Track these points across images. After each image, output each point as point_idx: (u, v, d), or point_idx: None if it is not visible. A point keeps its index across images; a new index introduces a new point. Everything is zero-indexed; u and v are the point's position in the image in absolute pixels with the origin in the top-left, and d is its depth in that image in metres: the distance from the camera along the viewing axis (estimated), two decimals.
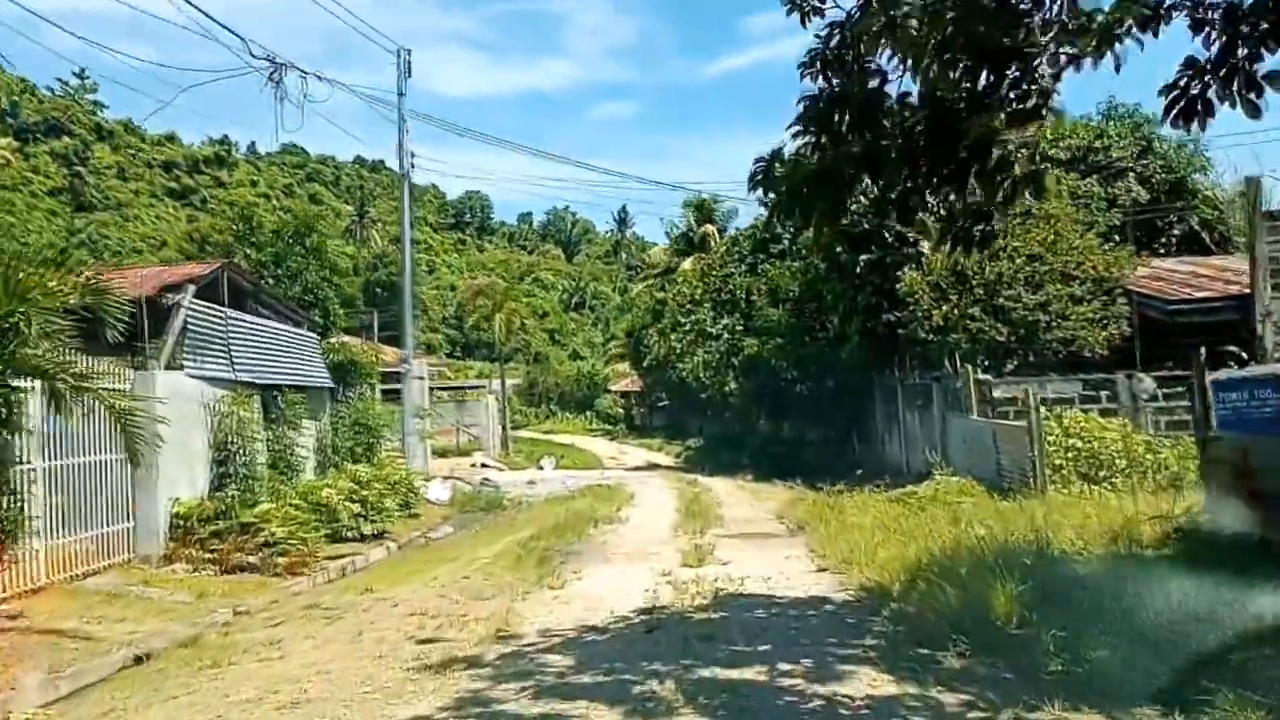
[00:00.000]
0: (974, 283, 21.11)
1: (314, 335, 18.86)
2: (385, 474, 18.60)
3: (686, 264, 43.24)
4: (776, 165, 6.20)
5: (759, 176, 6.28)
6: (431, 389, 46.98)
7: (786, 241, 31.15)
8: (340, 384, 20.16)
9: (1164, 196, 30.36)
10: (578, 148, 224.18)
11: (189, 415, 13.49)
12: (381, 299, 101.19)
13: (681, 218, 50.40)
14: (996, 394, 19.59)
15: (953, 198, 6.13)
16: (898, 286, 22.95)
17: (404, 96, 22.89)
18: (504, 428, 39.86)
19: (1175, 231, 29.49)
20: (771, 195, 6.38)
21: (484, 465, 31.40)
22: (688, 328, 32.31)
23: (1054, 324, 20.54)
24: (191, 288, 15.08)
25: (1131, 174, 30.77)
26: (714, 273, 33.37)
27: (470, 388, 46.32)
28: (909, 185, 6.16)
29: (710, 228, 47.03)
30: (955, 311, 21.09)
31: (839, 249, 26.49)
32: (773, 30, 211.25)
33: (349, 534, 15.83)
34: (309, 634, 9.30)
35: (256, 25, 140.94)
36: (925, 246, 24.17)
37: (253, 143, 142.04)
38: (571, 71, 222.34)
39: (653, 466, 34.50)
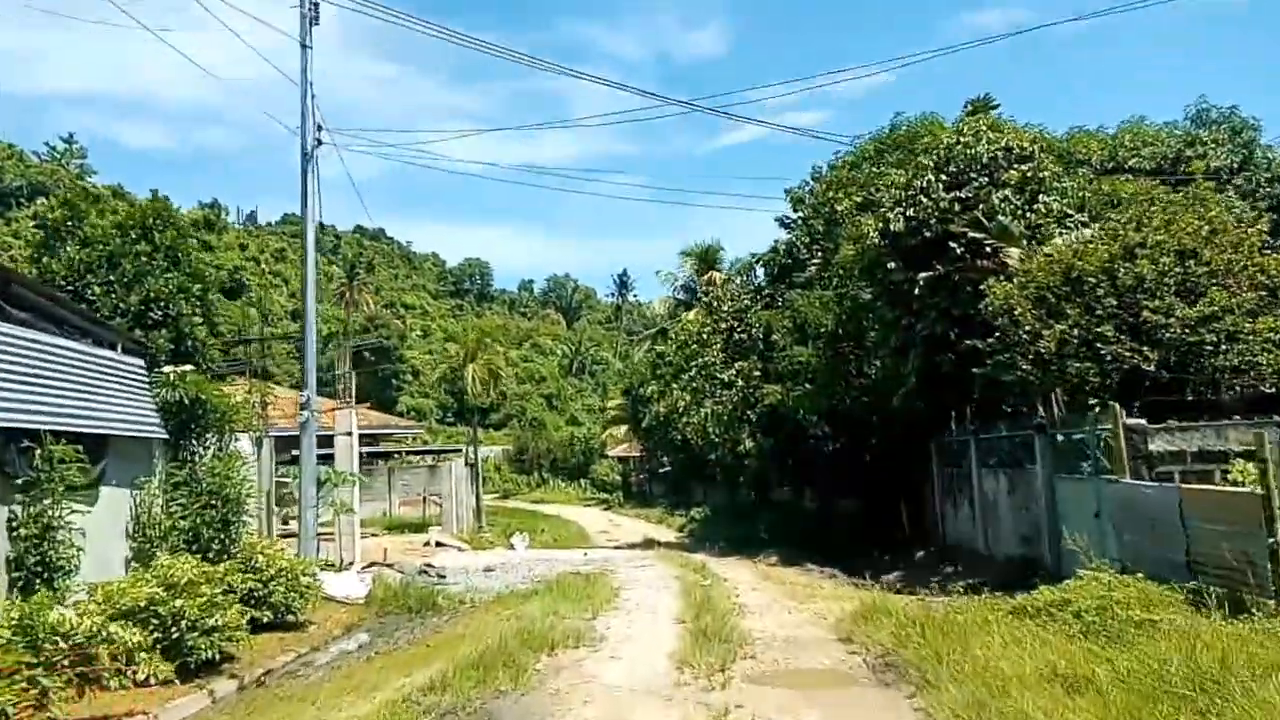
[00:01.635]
0: (1100, 291, 14.67)
1: (134, 361, 12.31)
2: (234, 568, 11.94)
3: (690, 315, 36.82)
4: None
5: None
6: (391, 454, 40.34)
7: (814, 268, 24.87)
8: (191, 435, 13.59)
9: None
10: (580, 221, 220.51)
11: None
12: (368, 363, 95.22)
13: (680, 268, 44.22)
14: (1155, 446, 12.99)
15: None
16: (982, 305, 16.53)
17: (309, 50, 16.74)
18: (476, 497, 33.14)
19: None
20: None
21: (439, 545, 24.64)
22: (693, 373, 25.79)
23: (1221, 346, 14.04)
24: None
25: (1232, 187, 24.68)
26: (724, 308, 27.01)
27: (441, 452, 39.55)
28: None
29: (716, 275, 40.81)
30: (1076, 332, 14.59)
31: (889, 265, 20.20)
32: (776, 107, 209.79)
33: (146, 673, 9.14)
34: None
35: (254, 102, 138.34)
36: (1013, 256, 17.84)
37: (253, 211, 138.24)
38: (573, 148, 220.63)
39: (649, 544, 27.76)
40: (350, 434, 20.11)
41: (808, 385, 22.58)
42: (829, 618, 12.36)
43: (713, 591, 15.49)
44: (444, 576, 18.44)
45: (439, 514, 33.32)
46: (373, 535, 27.26)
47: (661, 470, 49.93)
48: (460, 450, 42.01)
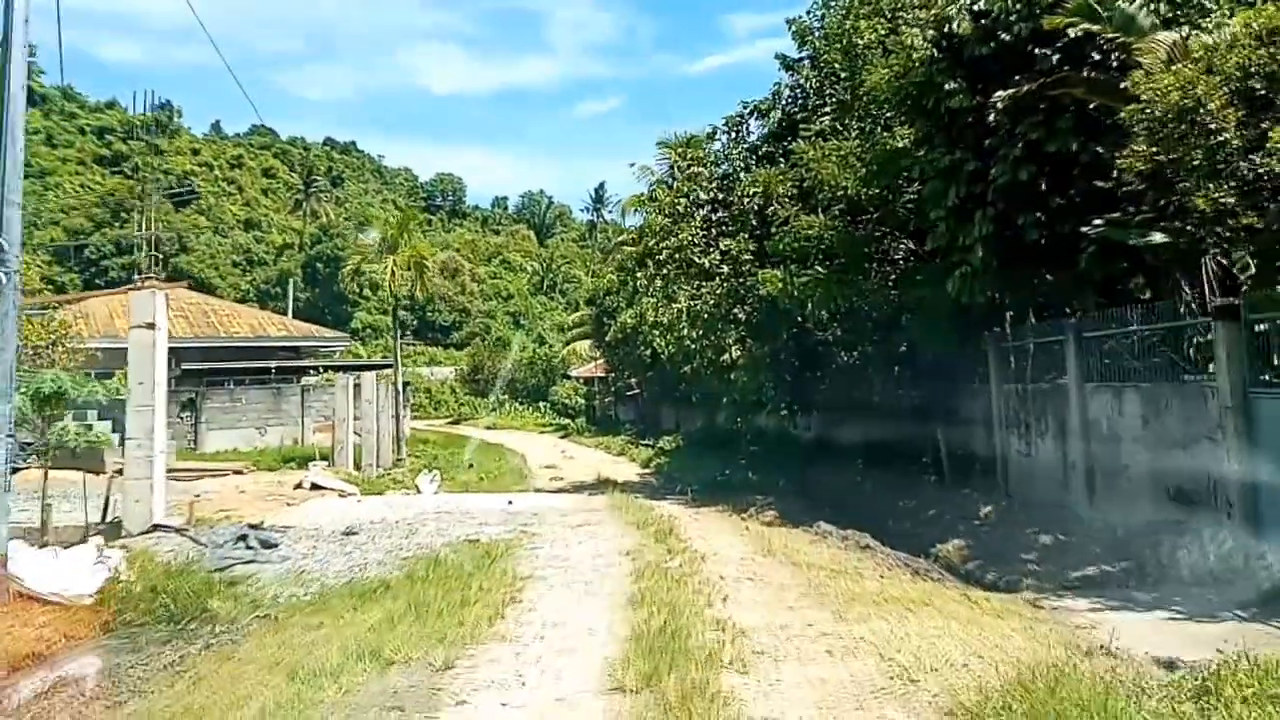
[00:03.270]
0: None
1: None
2: None
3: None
4: None
5: None
6: (307, 369, 33.39)
7: (827, 118, 17.76)
8: None
9: None
10: (559, 142, 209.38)
11: None
12: (323, 275, 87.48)
13: (660, 160, 36.57)
14: None
15: None
16: (1122, 115, 9.77)
17: None
18: (396, 420, 26.38)
19: None
20: None
21: (315, 487, 17.96)
22: (663, 256, 18.79)
23: None
24: None
25: None
26: (705, 172, 19.87)
27: (366, 368, 32.53)
28: None
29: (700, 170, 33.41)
30: None
31: (947, 87, 13.37)
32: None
33: None
34: None
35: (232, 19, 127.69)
36: (1157, 49, 10.90)
37: (216, 120, 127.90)
38: (553, 68, 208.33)
39: (602, 485, 21.18)
40: (152, 327, 13.16)
41: (818, 270, 15.71)
42: (936, 688, 5.76)
43: (682, 591, 8.87)
44: (272, 546, 11.72)
45: (355, 443, 26.57)
46: (242, 472, 20.50)
47: (629, 393, 43.34)
48: (390, 366, 35.06)
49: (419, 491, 19.05)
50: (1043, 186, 12.64)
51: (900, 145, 14.70)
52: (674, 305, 18.62)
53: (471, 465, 24.69)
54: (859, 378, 17.95)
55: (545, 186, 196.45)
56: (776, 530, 13.88)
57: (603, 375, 45.64)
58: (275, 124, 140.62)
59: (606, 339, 38.99)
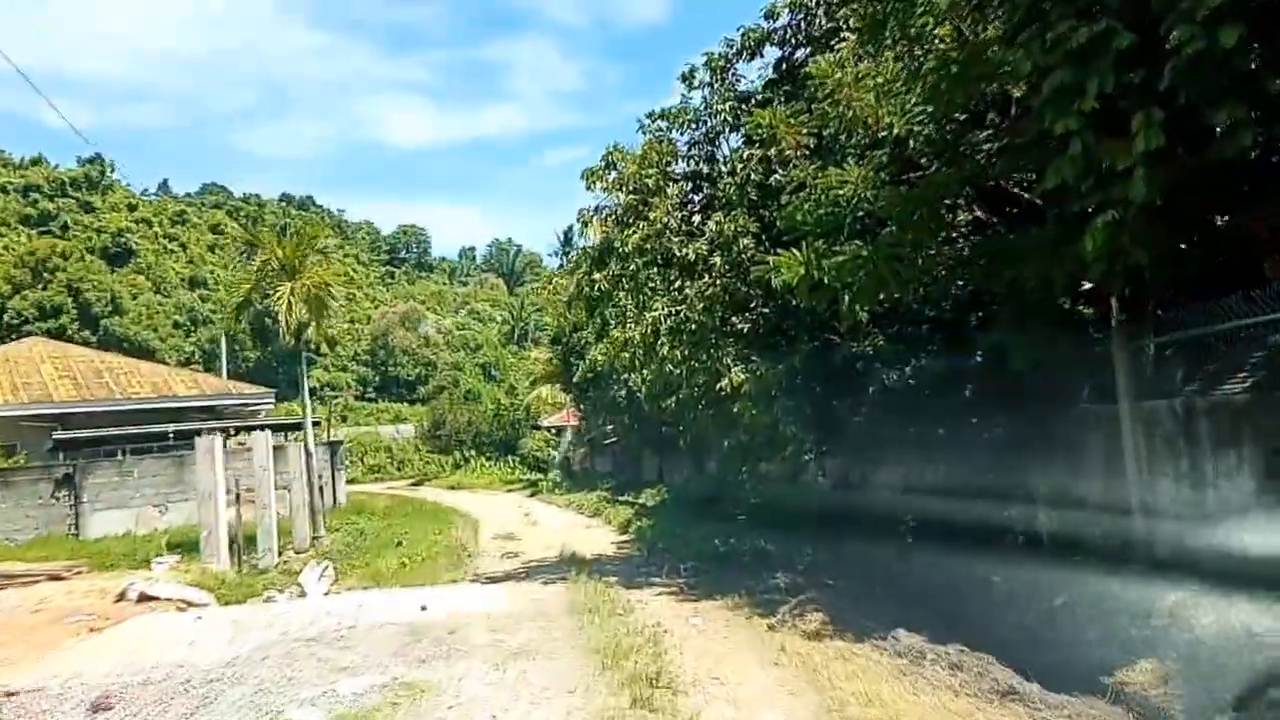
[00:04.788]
0: None
1: None
2: None
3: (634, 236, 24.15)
4: None
5: None
6: (227, 429, 27.53)
7: (844, 48, 12.64)
8: None
9: None
10: (527, 192, 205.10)
11: None
12: (273, 332, 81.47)
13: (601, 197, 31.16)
14: None
15: None
16: None
17: None
18: (310, 491, 20.64)
19: None
20: None
21: (144, 597, 12.12)
22: (629, 248, 13.38)
23: None
24: None
25: None
26: (682, 129, 14.53)
27: (289, 426, 26.75)
28: None
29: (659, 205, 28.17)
30: None
31: None
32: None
33: None
34: None
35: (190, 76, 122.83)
36: None
37: (164, 180, 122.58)
38: (518, 118, 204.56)
39: (566, 563, 15.50)
40: None
41: (857, 246, 10.37)
42: None
43: None
44: None
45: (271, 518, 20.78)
46: (63, 576, 14.71)
47: (605, 442, 37.75)
48: (319, 422, 29.36)
49: (302, 593, 13.40)
50: (1254, 60, 7.51)
51: (981, 40, 9.54)
52: (648, 316, 13.27)
53: (400, 544, 19.00)
54: (910, 405, 12.60)
55: (514, 236, 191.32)
56: (831, 650, 8.39)
57: (575, 424, 40.10)
58: (229, 183, 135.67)
59: (575, 380, 33.55)
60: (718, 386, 13.10)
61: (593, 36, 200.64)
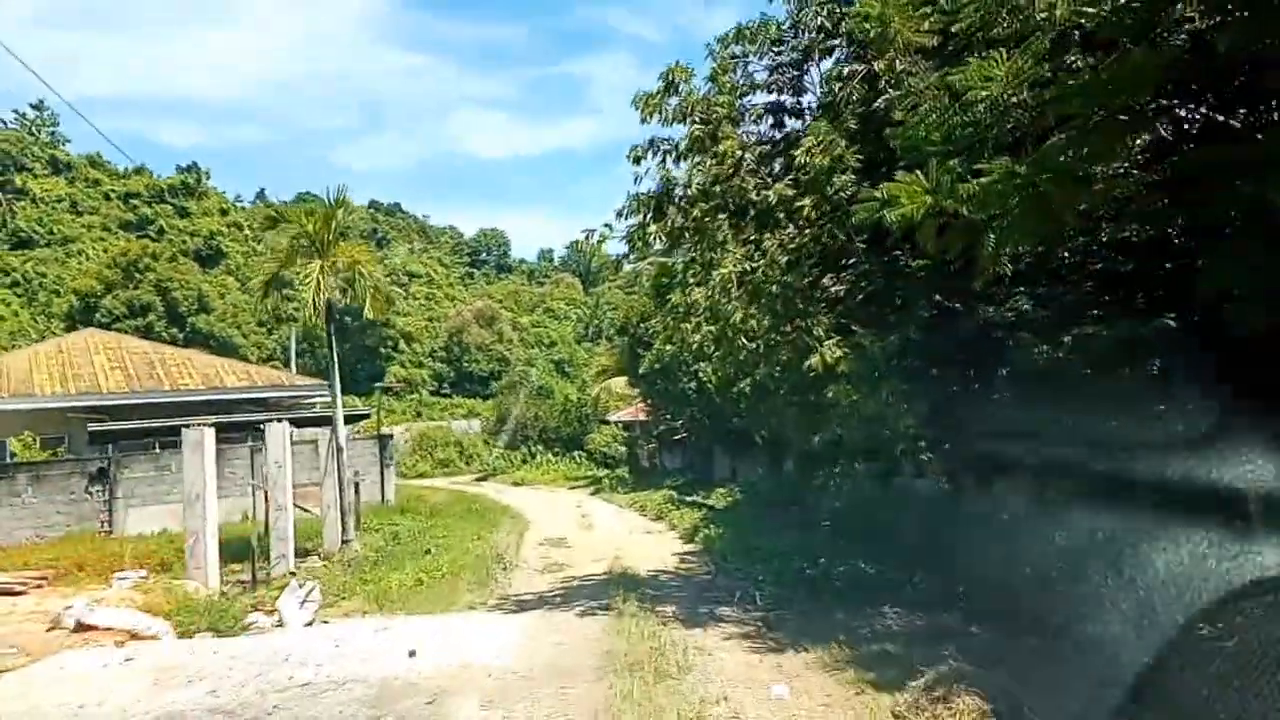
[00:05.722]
0: None
1: None
2: None
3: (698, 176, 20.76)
4: None
5: None
6: (258, 423, 25.25)
7: None
8: None
9: None
10: (607, 200, 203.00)
11: None
12: (352, 328, 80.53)
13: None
14: None
15: None
16: None
17: None
18: (340, 490, 17.99)
19: None
20: None
21: (81, 626, 9.50)
22: (692, 191, 10.15)
23: None
24: None
25: None
26: (759, 51, 11.25)
27: (314, 420, 24.15)
28: None
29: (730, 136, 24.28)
30: None
31: None
32: None
33: None
34: None
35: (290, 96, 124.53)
36: None
37: (261, 189, 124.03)
38: (598, 128, 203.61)
39: (615, 582, 12.34)
40: None
41: (1009, 164, 6.93)
42: None
43: None
44: None
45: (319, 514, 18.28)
46: (20, 591, 12.17)
47: (675, 437, 34.52)
48: (368, 415, 26.84)
49: (279, 622, 10.55)
50: None
51: None
52: (715, 275, 10.10)
53: (429, 552, 16.15)
54: (1066, 389, 9.10)
55: (593, 239, 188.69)
56: None
57: (644, 419, 36.98)
58: (322, 192, 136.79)
59: (642, 372, 30.46)
60: (805, 366, 9.77)
61: (669, 50, 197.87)
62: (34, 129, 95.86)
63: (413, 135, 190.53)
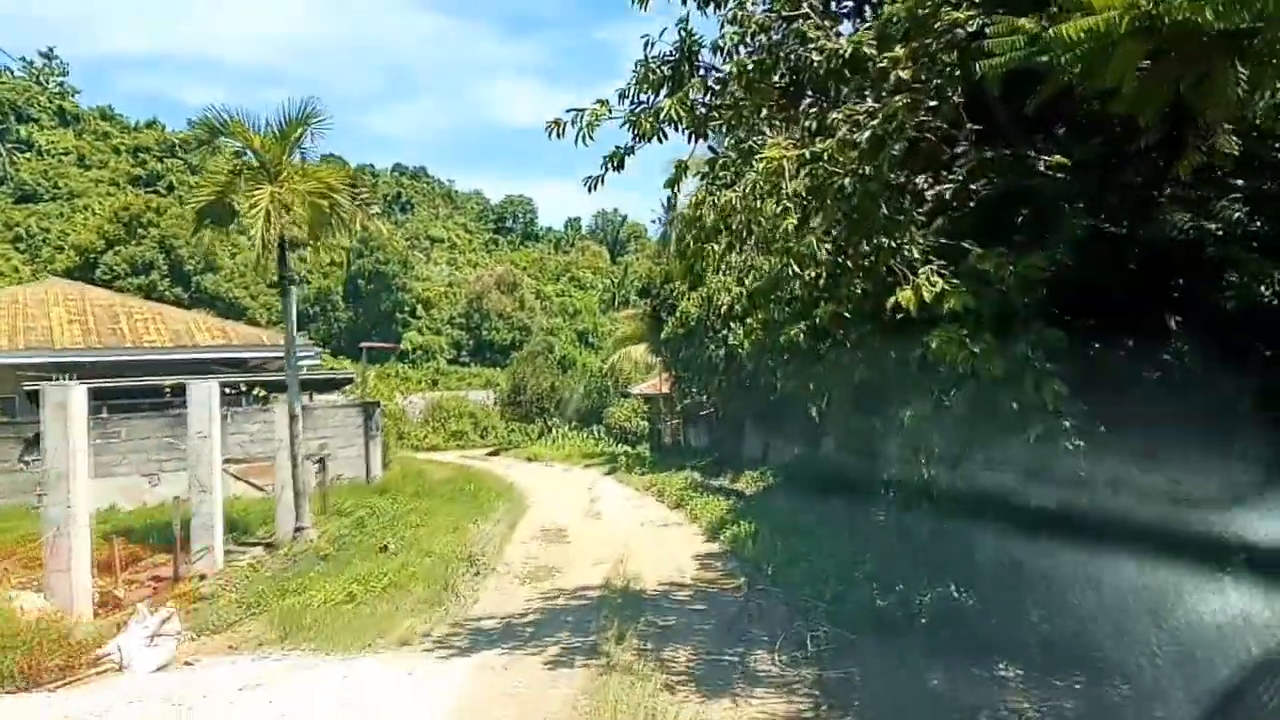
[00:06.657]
0: None
1: None
2: None
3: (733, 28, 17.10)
4: None
5: None
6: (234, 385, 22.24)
7: None
8: None
9: None
10: (636, 169, 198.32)
11: None
12: (366, 293, 77.94)
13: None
14: None
15: None
16: None
17: None
18: (295, 469, 14.92)
19: None
20: None
21: None
22: (730, 28, 6.80)
23: None
24: None
25: None
26: None
27: (323, 383, 21.06)
28: None
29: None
30: None
31: None
32: None
33: None
34: None
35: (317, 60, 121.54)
36: None
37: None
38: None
39: (612, 600, 9.26)
40: None
41: None
42: None
43: None
44: None
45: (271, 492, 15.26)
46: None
47: (701, 412, 31.18)
48: (352, 379, 23.77)
49: (118, 664, 7.39)
50: None
51: None
52: (753, 170, 6.78)
53: (386, 548, 13.01)
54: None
55: (620, 209, 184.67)
56: None
57: (667, 391, 33.70)
58: (346, 154, 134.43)
59: (663, 337, 27.14)
60: (888, 303, 6.43)
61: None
62: (42, 78, 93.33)
63: (441, 101, 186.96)
